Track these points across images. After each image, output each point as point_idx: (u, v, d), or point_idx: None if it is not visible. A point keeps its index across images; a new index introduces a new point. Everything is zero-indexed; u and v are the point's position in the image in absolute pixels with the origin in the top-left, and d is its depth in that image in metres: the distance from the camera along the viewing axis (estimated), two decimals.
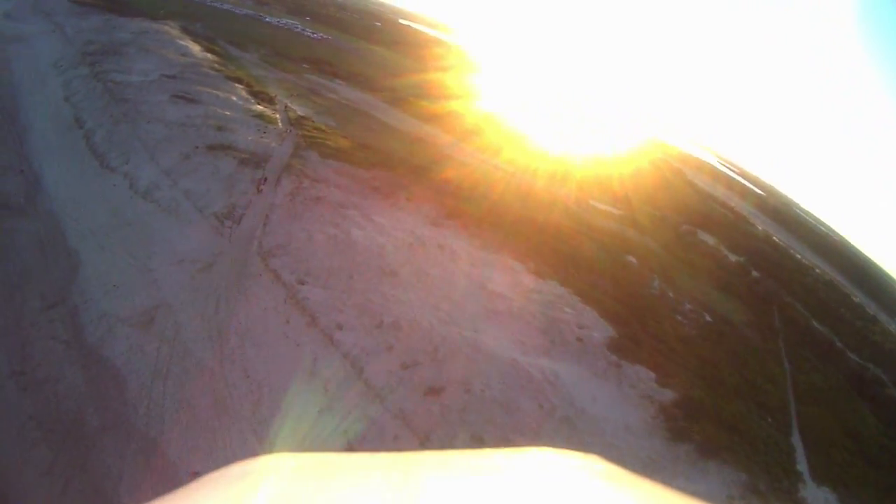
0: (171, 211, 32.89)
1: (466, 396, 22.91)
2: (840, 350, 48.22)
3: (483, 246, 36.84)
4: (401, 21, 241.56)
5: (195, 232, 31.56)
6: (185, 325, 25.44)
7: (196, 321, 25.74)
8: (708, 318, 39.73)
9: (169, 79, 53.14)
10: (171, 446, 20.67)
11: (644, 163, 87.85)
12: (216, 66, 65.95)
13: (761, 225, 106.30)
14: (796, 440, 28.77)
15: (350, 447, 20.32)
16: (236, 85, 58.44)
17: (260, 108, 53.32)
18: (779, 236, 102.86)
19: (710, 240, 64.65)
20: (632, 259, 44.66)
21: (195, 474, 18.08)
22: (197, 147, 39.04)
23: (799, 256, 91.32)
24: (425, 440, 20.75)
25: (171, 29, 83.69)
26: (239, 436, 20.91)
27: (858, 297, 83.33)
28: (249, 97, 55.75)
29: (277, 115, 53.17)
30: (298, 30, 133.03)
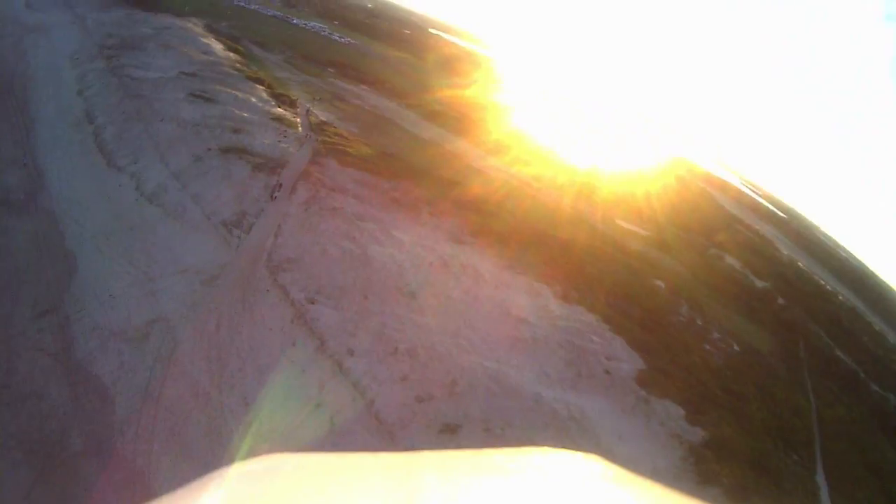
0: (178, 216, 32.69)
1: (485, 436, 21.79)
2: (863, 381, 49.97)
3: (508, 266, 36.50)
4: (431, 30, 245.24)
5: (201, 240, 31.25)
6: (182, 343, 24.87)
7: (195, 340, 25.16)
8: (736, 347, 40.66)
9: (187, 76, 53.83)
10: (159, 479, 19.90)
11: (670, 181, 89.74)
12: (238, 65, 66.89)
13: (786, 249, 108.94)
14: (821, 478, 29.28)
15: None
16: (257, 86, 58.97)
17: (280, 111, 53.56)
18: (802, 261, 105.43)
19: (736, 263, 65.68)
20: (660, 283, 44.66)
21: None
22: (210, 149, 39.04)
23: (822, 282, 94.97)
24: None
25: (195, 26, 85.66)
26: None
27: (878, 324, 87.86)
28: (270, 99, 56.13)
29: (298, 119, 53.35)
30: (326, 33, 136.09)
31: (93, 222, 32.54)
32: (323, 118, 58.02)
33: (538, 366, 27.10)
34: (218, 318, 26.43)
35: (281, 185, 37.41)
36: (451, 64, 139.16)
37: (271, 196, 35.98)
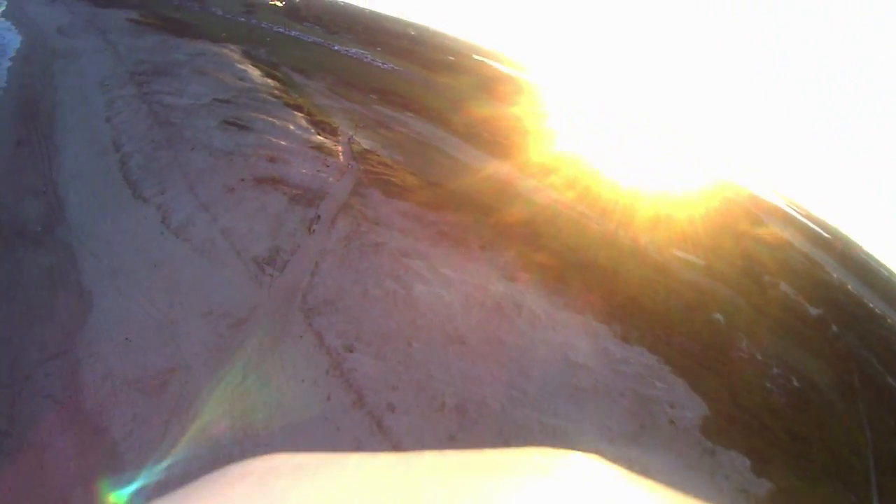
0: (205, 252, 32.43)
1: None
2: None
3: (564, 305, 35.95)
4: (474, 56, 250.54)
5: (230, 279, 30.80)
6: (203, 395, 24.05)
7: (218, 392, 24.32)
8: (795, 382, 42.03)
9: (221, 103, 54.97)
10: None
11: (719, 205, 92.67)
12: (276, 92, 68.26)
13: (834, 272, 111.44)
14: None
15: None
16: (296, 113, 59.83)
17: (320, 139, 53.93)
18: (850, 283, 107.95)
19: (790, 290, 68.06)
20: (719, 317, 45.20)
21: None
22: (243, 179, 39.15)
23: (872, 306, 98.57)
24: None
25: (232, 52, 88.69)
26: None
27: None
28: (310, 127, 56.71)
29: (339, 148, 53.59)
30: (368, 60, 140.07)
31: (113, 257, 32.50)
32: (366, 146, 58.38)
33: (599, 419, 26.63)
34: (244, 367, 25.61)
35: (319, 217, 37.08)
36: (496, 89, 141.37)
37: (309, 230, 35.59)
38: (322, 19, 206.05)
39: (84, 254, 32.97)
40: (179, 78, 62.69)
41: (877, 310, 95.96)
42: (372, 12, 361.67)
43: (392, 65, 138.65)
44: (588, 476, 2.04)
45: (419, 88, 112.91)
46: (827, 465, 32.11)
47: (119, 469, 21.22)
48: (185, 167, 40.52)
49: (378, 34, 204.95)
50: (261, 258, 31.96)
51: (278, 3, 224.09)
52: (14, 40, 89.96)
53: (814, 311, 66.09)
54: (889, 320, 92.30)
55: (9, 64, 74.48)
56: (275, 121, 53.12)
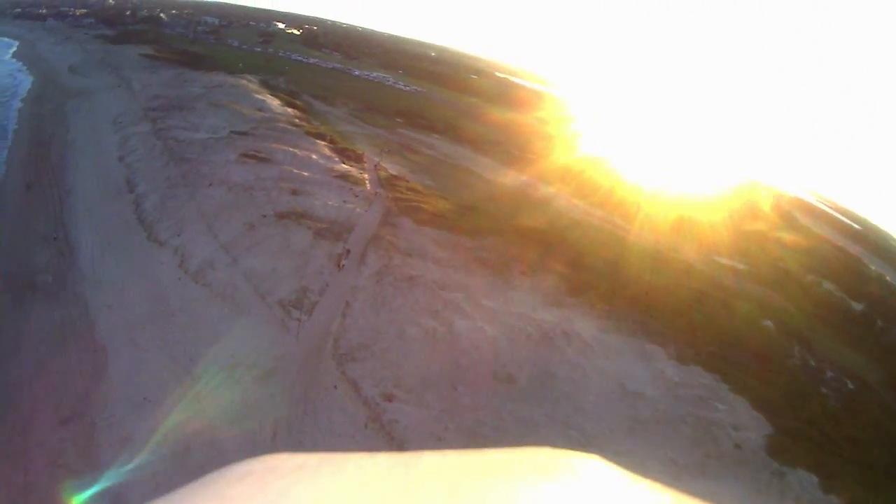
0: (227, 297, 31.24)
1: None
2: None
3: (615, 329, 34.78)
4: (497, 74, 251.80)
5: (254, 326, 29.49)
6: (229, 458, 22.45)
7: (245, 453, 22.75)
8: (849, 385, 41.94)
9: (239, 136, 54.52)
10: None
11: (752, 207, 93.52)
12: (296, 121, 67.95)
13: (872, 264, 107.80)
14: None
15: None
16: (318, 142, 59.18)
17: (345, 167, 53.05)
18: (888, 274, 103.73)
19: (832, 288, 67.87)
20: (769, 323, 44.92)
21: None
22: (265, 215, 38.15)
23: None
24: None
25: (249, 83, 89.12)
26: None
27: None
28: (333, 155, 55.93)
29: (366, 175, 52.58)
30: (390, 83, 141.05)
31: (128, 308, 31.49)
32: (393, 172, 57.53)
33: (663, 451, 25.75)
34: (274, 424, 24.11)
35: (349, 251, 35.84)
36: (521, 105, 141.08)
37: (338, 265, 34.32)
38: (341, 45, 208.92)
39: (98, 305, 32.08)
40: (195, 112, 62.68)
41: None
42: (391, 35, 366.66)
43: (415, 87, 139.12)
44: (588, 476, 2.06)
45: (444, 109, 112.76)
46: (889, 467, 31.87)
47: None
48: (203, 205, 39.74)
49: (398, 57, 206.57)
50: (287, 301, 30.67)
51: (296, 32, 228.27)
52: (26, 81, 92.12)
53: (857, 307, 66.63)
54: None
55: (20, 105, 75.82)
56: (296, 151, 52.42)
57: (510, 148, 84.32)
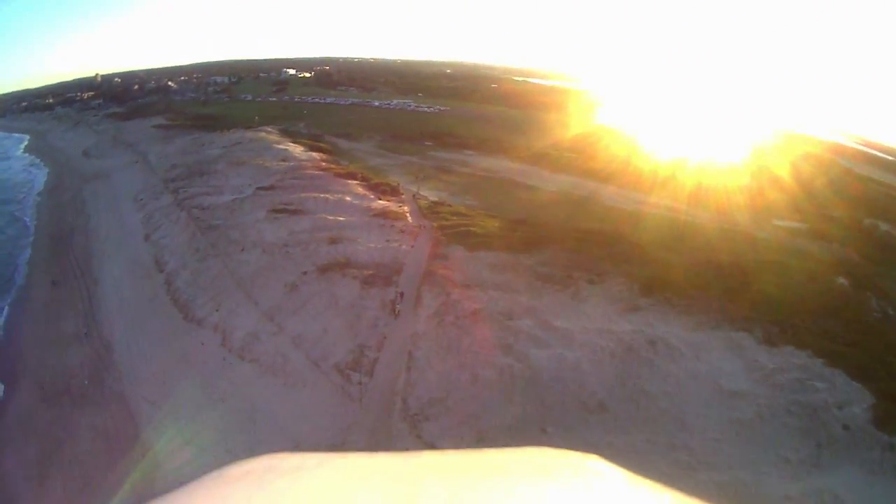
0: (278, 371, 29.17)
1: None
2: None
3: (698, 323, 32.56)
4: (515, 78, 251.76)
5: (312, 398, 27.37)
6: None
7: None
8: None
9: (266, 191, 53.23)
10: None
11: (795, 162, 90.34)
12: (323, 164, 66.75)
13: None
14: None
15: None
16: (349, 182, 57.55)
17: (382, 203, 51.13)
18: None
19: (888, 227, 65.51)
20: (843, 280, 43.59)
21: None
22: (305, 272, 36.22)
23: None
24: None
25: (269, 135, 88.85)
26: None
27: None
28: (367, 193, 54.15)
29: (405, 208, 50.52)
30: (412, 107, 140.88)
31: (174, 400, 29.70)
32: (433, 198, 55.78)
33: (774, 451, 24.55)
34: None
35: (402, 295, 33.54)
36: (546, 104, 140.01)
37: (393, 313, 31.96)
38: (355, 79, 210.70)
39: (139, 402, 30.67)
40: (217, 174, 61.98)
41: None
42: (403, 61, 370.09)
43: (438, 106, 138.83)
44: (588, 476, 2.14)
45: (471, 123, 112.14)
46: None
47: None
48: (238, 273, 38.09)
49: (415, 80, 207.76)
50: (344, 364, 28.38)
51: (308, 75, 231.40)
52: (40, 174, 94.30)
53: None
54: None
55: (38, 199, 76.85)
56: (328, 196, 50.72)
57: (545, 150, 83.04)
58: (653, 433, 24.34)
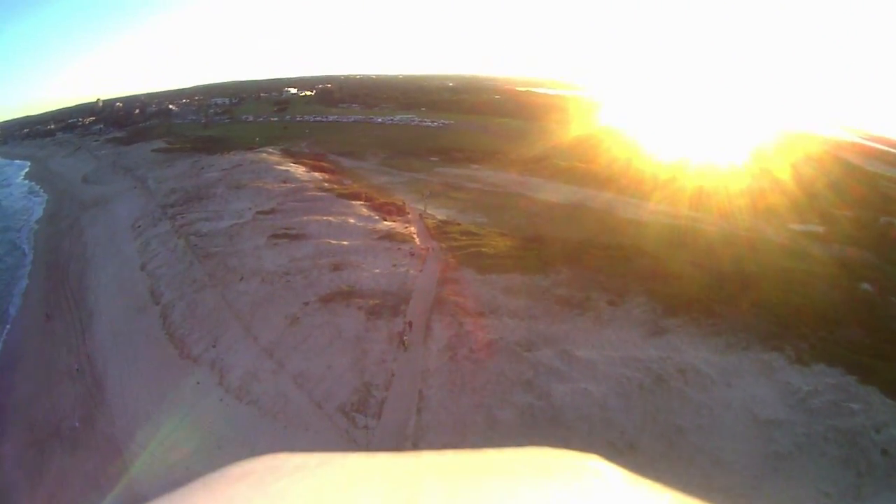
0: (278, 414, 27.09)
1: None
2: None
3: (728, 345, 30.85)
4: (518, 89, 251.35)
5: (315, 444, 25.19)
6: None
7: None
8: None
9: (266, 215, 51.60)
10: None
11: (806, 162, 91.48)
12: (326, 185, 65.21)
13: None
14: None
15: None
16: (353, 202, 55.85)
17: (387, 224, 49.35)
18: None
19: (894, 221, 64.26)
20: (866, 286, 43.19)
21: None
22: (307, 303, 34.30)
23: None
24: None
25: (270, 155, 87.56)
26: None
27: None
28: (372, 214, 52.42)
29: (412, 229, 48.72)
30: (416, 122, 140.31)
31: (167, 446, 27.64)
32: (441, 217, 54.05)
33: (814, 485, 23.21)
34: None
35: (411, 324, 31.57)
36: (552, 114, 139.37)
37: (401, 345, 29.95)
38: (357, 96, 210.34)
39: (132, 448, 28.61)
40: (216, 199, 60.41)
41: None
42: (405, 76, 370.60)
43: (442, 120, 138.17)
44: (588, 476, 2.17)
45: (477, 136, 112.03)
46: None
47: None
48: (236, 305, 36.16)
49: (418, 95, 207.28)
50: (349, 405, 26.30)
51: (309, 93, 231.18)
52: (39, 201, 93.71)
53: None
54: None
55: (35, 227, 75.85)
56: (331, 219, 48.94)
57: (554, 161, 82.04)
58: (687, 472, 22.63)
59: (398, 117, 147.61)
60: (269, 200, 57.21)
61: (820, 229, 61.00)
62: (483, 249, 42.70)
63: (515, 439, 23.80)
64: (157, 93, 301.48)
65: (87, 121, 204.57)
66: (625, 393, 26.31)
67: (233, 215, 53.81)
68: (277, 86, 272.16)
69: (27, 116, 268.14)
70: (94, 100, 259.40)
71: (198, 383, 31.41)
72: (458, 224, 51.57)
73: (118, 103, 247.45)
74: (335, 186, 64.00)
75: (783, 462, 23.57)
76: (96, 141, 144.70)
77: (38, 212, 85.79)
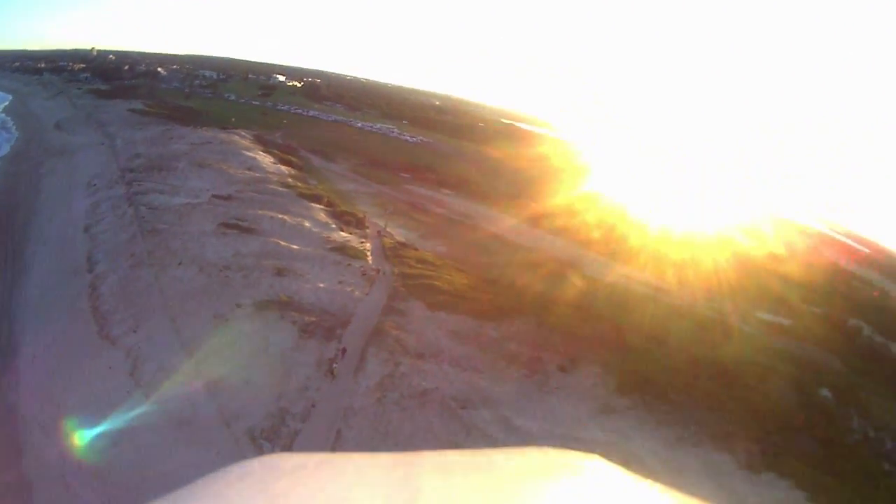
0: (183, 423, 24.23)
1: None
2: None
3: (677, 440, 28.46)
4: (503, 121, 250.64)
5: (215, 465, 22.45)
6: None
7: None
8: None
9: (222, 200, 48.64)
10: None
11: (785, 249, 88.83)
12: (290, 180, 62.42)
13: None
14: None
15: None
16: (313, 205, 53.22)
17: (343, 235, 46.84)
18: None
19: (870, 332, 62.51)
20: (826, 393, 41.29)
21: None
22: (240, 305, 31.59)
23: None
24: None
25: (241, 139, 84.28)
26: None
27: None
28: (330, 221, 49.87)
29: (368, 245, 46.27)
30: (395, 134, 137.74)
31: (63, 434, 24.84)
32: (400, 238, 51.64)
33: None
34: None
35: (344, 351, 29.05)
36: (531, 152, 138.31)
37: (329, 372, 27.46)
38: (343, 97, 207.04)
39: (32, 426, 25.57)
40: (176, 172, 57.18)
41: None
42: (395, 86, 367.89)
43: (421, 137, 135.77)
44: (588, 476, 2.09)
45: (453, 161, 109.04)
46: None
47: None
48: (168, 291, 33.25)
49: (402, 107, 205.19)
50: (258, 430, 23.64)
51: (297, 84, 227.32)
52: (8, 137, 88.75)
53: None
54: None
55: None
56: (286, 218, 46.25)
57: (527, 202, 78.62)
58: None
59: (378, 125, 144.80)
60: (228, 185, 54.28)
61: (787, 322, 59.03)
62: (437, 283, 40.35)
63: None
64: (150, 53, 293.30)
65: (77, 67, 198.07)
66: None
67: (188, 193, 50.80)
68: (267, 70, 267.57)
69: (24, 50, 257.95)
70: (89, 48, 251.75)
71: (109, 368, 28.43)
72: (416, 249, 49.28)
73: (111, 55, 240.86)
74: (299, 184, 61.37)
75: None
76: (79, 89, 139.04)
77: (5, 149, 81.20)
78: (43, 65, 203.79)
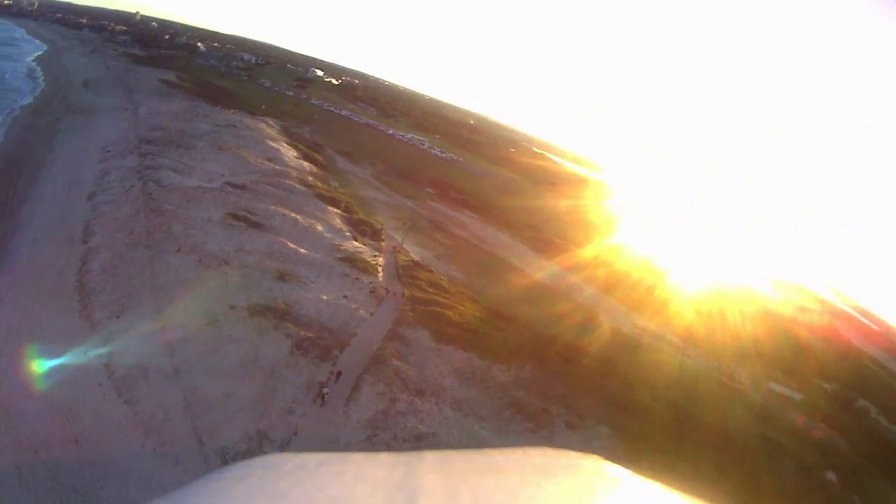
0: (152, 430, 22.34)
1: None
2: None
3: None
4: (535, 149, 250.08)
5: (177, 484, 20.45)
6: None
7: None
8: None
9: (235, 189, 47.00)
10: None
11: (801, 320, 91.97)
12: (310, 178, 60.75)
13: None
14: None
15: None
16: (330, 208, 51.44)
17: (356, 245, 44.98)
18: None
19: (878, 416, 62.98)
20: (832, 477, 40.90)
21: None
22: (234, 306, 29.66)
23: None
24: None
25: (268, 127, 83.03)
26: None
27: None
28: (344, 228, 48.06)
29: (380, 260, 44.34)
30: (425, 147, 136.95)
31: (27, 416, 23.03)
32: (416, 256, 49.67)
33: None
34: None
35: (339, 375, 27.08)
36: (563, 187, 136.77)
37: (319, 397, 25.44)
38: (378, 101, 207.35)
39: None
40: (194, 152, 55.70)
41: None
42: (432, 98, 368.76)
43: (451, 154, 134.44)
44: (588, 476, 2.13)
45: (481, 182, 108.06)
46: None
47: None
48: (160, 279, 31.42)
49: (437, 121, 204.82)
50: (231, 453, 21.63)
51: (334, 81, 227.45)
52: (34, 87, 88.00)
53: None
54: None
55: (17, 113, 70.34)
56: (298, 217, 44.44)
57: (550, 237, 77.99)
58: None
59: (410, 135, 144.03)
60: (245, 174, 52.75)
61: (798, 396, 58.98)
62: (448, 312, 38.29)
63: None
64: (193, 27, 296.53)
65: (118, 28, 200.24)
66: None
67: (202, 176, 49.28)
68: (306, 62, 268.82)
69: (69, 3, 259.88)
70: (134, 10, 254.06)
71: (85, 353, 26.59)
72: (431, 271, 47.40)
73: (154, 23, 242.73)
74: (319, 184, 59.76)
75: None
76: (115, 51, 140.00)
77: (28, 99, 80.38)
78: (84, 21, 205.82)
